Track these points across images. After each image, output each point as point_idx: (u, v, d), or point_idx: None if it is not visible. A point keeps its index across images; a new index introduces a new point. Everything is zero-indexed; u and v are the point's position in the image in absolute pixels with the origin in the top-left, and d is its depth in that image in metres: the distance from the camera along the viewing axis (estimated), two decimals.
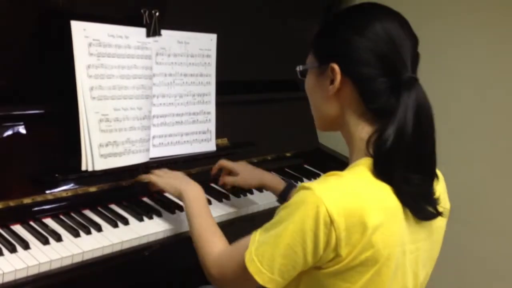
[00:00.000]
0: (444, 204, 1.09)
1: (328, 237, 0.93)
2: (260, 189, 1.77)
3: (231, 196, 1.68)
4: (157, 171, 1.52)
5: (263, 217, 1.62)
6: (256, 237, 1.03)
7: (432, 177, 1.04)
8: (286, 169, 1.98)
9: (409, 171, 0.98)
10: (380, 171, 0.99)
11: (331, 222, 0.92)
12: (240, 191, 1.70)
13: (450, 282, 2.09)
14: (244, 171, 1.62)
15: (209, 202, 1.61)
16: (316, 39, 1.12)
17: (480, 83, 2.00)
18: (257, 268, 0.99)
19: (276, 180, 1.61)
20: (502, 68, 1.95)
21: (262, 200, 1.70)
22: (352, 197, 0.95)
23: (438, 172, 1.13)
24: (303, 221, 0.94)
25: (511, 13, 1.90)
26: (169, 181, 1.45)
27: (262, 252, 0.99)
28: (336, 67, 1.04)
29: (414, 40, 1.05)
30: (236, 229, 1.49)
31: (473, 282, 2.08)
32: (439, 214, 1.04)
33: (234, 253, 1.09)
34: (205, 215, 1.30)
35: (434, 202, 1.04)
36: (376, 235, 0.94)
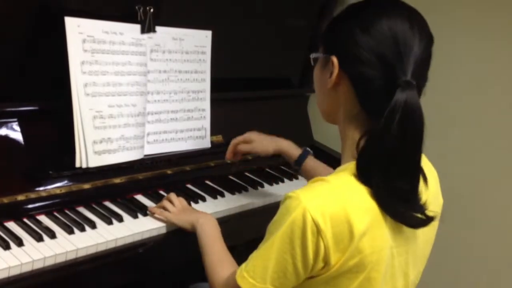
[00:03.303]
0: (434, 207, 1.05)
1: (316, 246, 0.93)
2: (254, 187, 1.77)
3: (225, 193, 1.68)
4: (166, 205, 1.46)
5: (259, 215, 1.64)
6: (248, 258, 1.02)
7: (415, 184, 0.99)
8: (282, 167, 1.97)
9: (389, 175, 0.96)
10: (360, 174, 0.97)
11: (318, 231, 0.92)
12: (235, 188, 1.70)
13: (450, 282, 2.10)
14: (260, 139, 1.60)
15: (204, 200, 1.61)
16: (326, 29, 1.09)
17: (480, 80, 2.00)
18: (249, 284, 0.98)
19: (292, 147, 1.60)
20: (500, 65, 1.95)
21: (258, 198, 1.70)
22: (337, 203, 0.94)
23: (431, 169, 1.12)
24: (291, 230, 0.94)
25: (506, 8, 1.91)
26: (181, 216, 1.41)
27: (252, 267, 0.99)
28: (335, 60, 1.02)
29: (425, 40, 0.99)
30: (230, 227, 1.49)
31: (473, 282, 2.08)
32: (429, 219, 1.00)
33: (229, 280, 1.09)
34: (215, 248, 1.25)
35: (420, 208, 0.99)
36: (363, 241, 0.94)
